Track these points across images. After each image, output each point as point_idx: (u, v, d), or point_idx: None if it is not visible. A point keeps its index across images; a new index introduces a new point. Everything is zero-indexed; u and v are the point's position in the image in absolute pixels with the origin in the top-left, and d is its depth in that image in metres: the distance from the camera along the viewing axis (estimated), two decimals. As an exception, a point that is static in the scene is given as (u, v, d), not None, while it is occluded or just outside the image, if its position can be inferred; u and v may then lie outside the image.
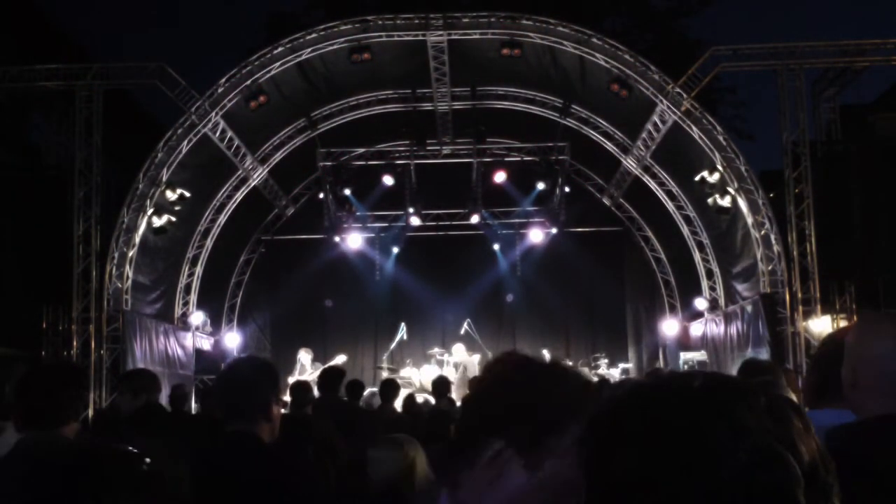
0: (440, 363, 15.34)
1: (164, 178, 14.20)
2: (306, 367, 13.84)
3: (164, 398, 12.88)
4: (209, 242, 16.85)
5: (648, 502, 0.71)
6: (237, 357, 2.86)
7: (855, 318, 13.89)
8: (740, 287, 15.17)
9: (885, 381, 1.86)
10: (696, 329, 17.28)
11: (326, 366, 9.61)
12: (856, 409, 1.94)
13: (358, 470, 6.70)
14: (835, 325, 14.09)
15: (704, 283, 16.77)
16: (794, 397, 3.32)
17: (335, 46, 14.24)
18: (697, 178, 14.42)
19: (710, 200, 14.46)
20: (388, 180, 16.42)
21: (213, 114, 14.22)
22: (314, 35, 14.15)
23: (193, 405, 12.24)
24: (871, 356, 1.89)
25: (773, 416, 0.72)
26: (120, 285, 13.94)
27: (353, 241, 17.64)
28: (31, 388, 2.71)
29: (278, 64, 14.23)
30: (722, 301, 16.12)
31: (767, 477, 0.68)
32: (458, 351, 15.52)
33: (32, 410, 2.70)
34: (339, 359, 14.48)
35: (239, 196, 16.80)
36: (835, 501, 0.74)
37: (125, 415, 4.63)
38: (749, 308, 14.34)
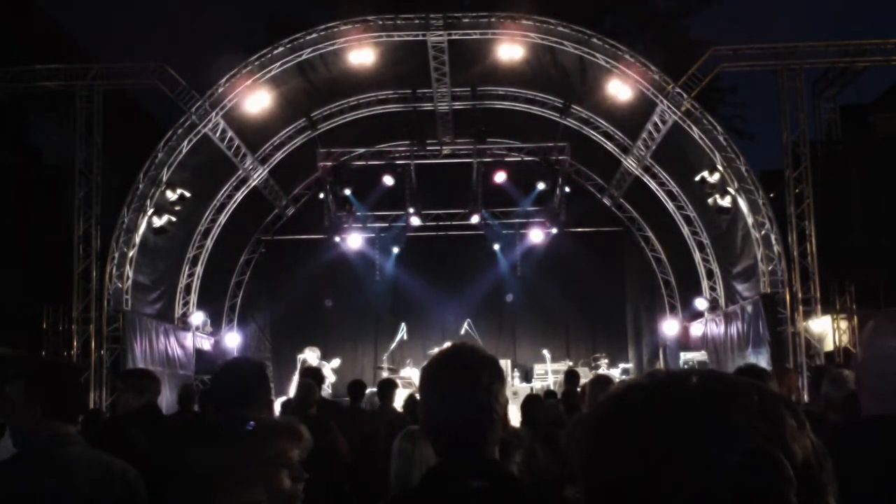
0: None
1: (164, 178, 14.20)
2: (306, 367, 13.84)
3: (163, 399, 12.94)
4: (209, 242, 16.85)
5: (641, 503, 0.71)
6: (232, 359, 2.87)
7: (855, 318, 13.90)
8: (740, 287, 15.17)
9: (883, 383, 1.83)
10: (697, 329, 17.28)
11: (305, 367, 9.60)
12: (864, 409, 1.90)
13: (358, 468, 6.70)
14: (835, 325, 14.09)
15: (704, 283, 16.77)
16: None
17: (335, 46, 14.24)
18: (697, 178, 14.42)
19: (710, 200, 14.46)
20: (388, 180, 16.43)
21: (213, 114, 14.22)
22: (314, 35, 14.15)
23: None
24: (872, 356, 1.87)
25: (765, 416, 0.72)
26: (120, 285, 13.94)
27: (353, 241, 17.65)
28: (51, 383, 2.70)
29: (278, 64, 14.22)
30: (722, 301, 16.12)
31: (757, 478, 0.68)
32: None
33: (55, 406, 2.69)
34: (334, 362, 14.54)
35: (239, 196, 16.80)
36: (829, 501, 0.74)
37: (123, 413, 4.61)
38: (749, 308, 14.34)
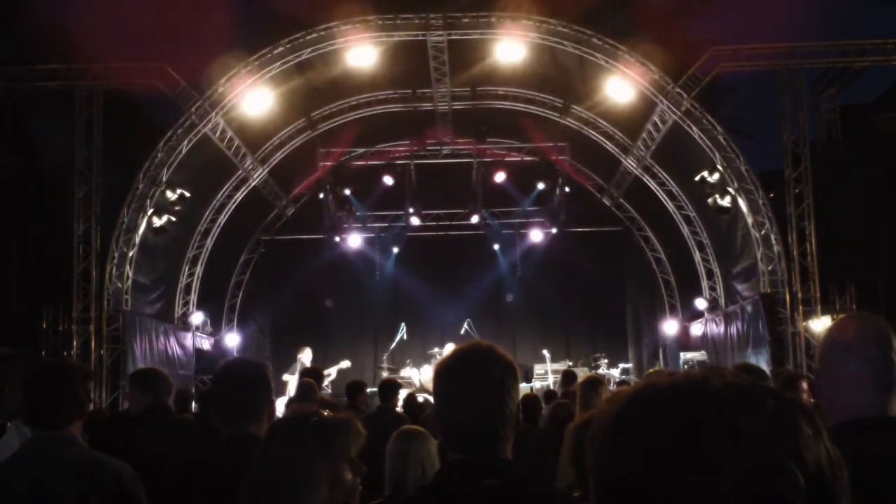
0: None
1: (164, 178, 14.18)
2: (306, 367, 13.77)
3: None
4: (209, 242, 16.84)
5: None
6: (233, 359, 2.87)
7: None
8: (740, 287, 15.16)
9: (847, 380, 1.78)
10: (696, 329, 17.28)
11: (306, 368, 9.56)
12: (825, 412, 1.85)
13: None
14: (835, 325, 14.08)
15: (704, 283, 16.77)
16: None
17: (335, 46, 14.22)
18: (697, 178, 14.41)
19: (710, 200, 14.46)
20: (388, 180, 16.43)
21: (213, 114, 14.21)
22: (314, 35, 14.13)
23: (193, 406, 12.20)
24: (836, 356, 1.83)
25: (778, 423, 0.71)
26: (120, 285, 13.92)
27: (353, 241, 17.65)
28: (33, 387, 2.74)
29: (278, 64, 14.21)
30: (722, 301, 16.11)
31: (766, 489, 0.68)
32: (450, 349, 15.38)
33: (35, 409, 2.72)
34: (344, 364, 14.37)
35: (239, 196, 16.79)
36: None
37: (130, 412, 4.62)
38: (749, 308, 14.34)
